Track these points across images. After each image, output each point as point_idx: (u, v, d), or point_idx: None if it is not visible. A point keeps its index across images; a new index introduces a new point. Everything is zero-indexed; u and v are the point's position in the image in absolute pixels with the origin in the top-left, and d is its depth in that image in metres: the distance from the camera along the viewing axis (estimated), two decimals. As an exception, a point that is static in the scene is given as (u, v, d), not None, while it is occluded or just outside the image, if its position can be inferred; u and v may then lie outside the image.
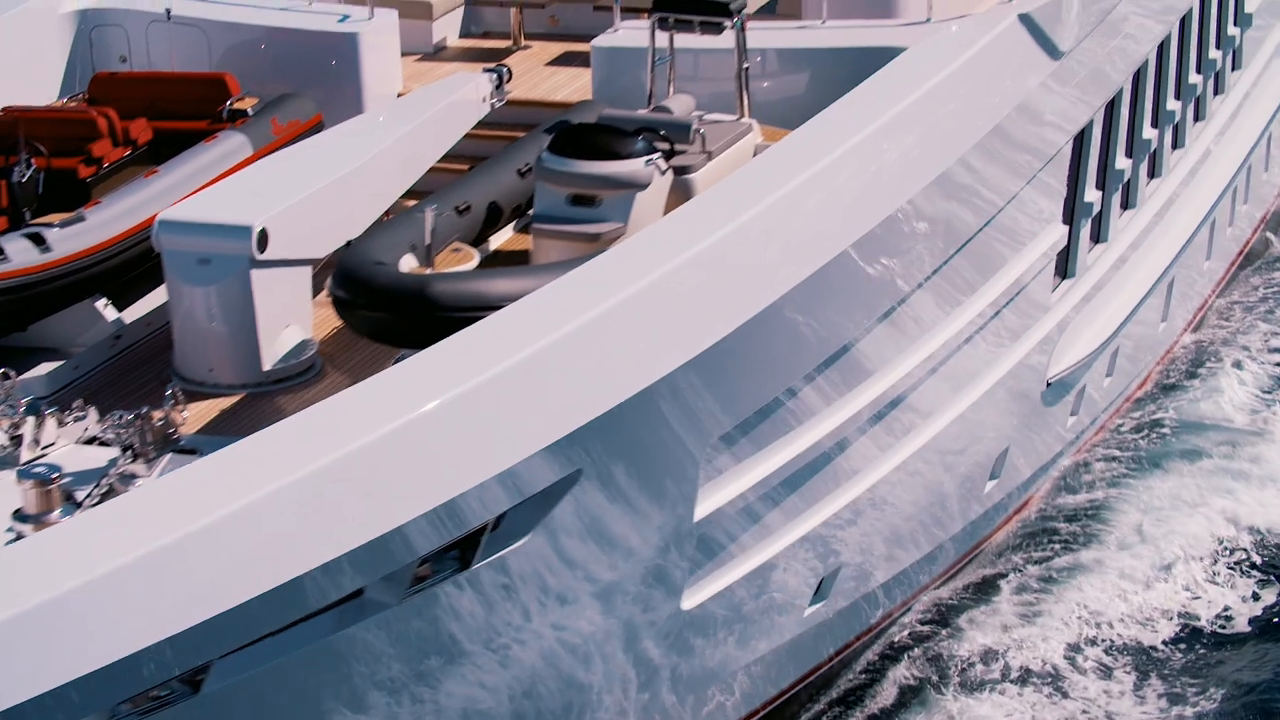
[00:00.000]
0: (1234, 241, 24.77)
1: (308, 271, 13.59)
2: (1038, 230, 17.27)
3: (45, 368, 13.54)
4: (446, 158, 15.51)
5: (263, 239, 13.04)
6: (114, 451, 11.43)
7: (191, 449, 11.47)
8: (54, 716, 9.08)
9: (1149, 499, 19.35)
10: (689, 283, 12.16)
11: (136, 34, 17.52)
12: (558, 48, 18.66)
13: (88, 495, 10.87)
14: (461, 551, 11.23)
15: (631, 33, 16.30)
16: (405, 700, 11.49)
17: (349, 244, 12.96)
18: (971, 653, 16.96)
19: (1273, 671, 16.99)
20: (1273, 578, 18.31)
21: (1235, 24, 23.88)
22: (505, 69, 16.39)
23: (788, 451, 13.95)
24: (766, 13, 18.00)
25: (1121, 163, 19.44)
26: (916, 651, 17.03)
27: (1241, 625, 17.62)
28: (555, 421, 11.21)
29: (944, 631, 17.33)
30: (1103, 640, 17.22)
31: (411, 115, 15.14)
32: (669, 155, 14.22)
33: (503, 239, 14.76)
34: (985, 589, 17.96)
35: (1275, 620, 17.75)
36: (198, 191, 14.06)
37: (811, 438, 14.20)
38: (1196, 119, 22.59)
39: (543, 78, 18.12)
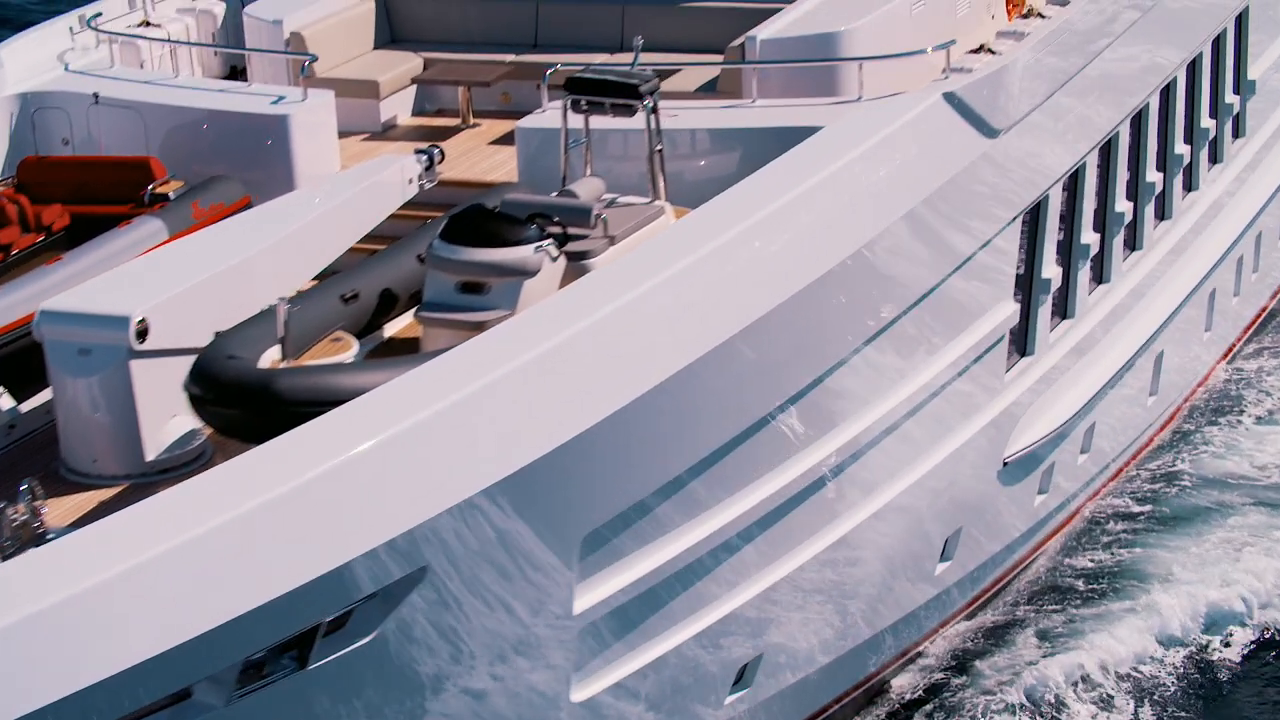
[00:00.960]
0: (1244, 308, 24.25)
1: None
2: (983, 308, 16.93)
3: None
4: (369, 239, 15.39)
5: (142, 329, 12.95)
6: None
7: None
8: None
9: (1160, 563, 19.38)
10: (551, 370, 11.98)
11: (78, 116, 17.48)
12: (505, 125, 18.43)
13: None
14: (299, 650, 11.07)
15: (558, 113, 16.16)
16: None
17: (216, 337, 12.86)
18: None
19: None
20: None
21: (1235, 91, 23.44)
22: (437, 149, 16.21)
23: (685, 539, 13.69)
24: (706, 90, 17.81)
25: (1088, 236, 19.05)
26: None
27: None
28: (394, 518, 11.03)
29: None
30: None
31: (327, 198, 15.03)
32: (563, 241, 14.04)
33: (399, 326, 14.61)
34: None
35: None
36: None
37: (716, 523, 13.93)
38: (1187, 189, 22.13)
39: (483, 156, 17.99)
